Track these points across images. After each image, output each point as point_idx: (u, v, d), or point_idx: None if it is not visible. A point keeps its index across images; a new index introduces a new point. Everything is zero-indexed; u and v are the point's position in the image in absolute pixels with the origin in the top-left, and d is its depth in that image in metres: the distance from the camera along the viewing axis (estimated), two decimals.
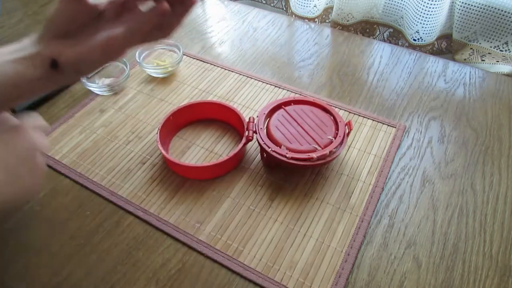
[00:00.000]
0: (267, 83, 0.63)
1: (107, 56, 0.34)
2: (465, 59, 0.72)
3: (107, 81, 0.63)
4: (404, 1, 0.72)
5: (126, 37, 0.34)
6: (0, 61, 0.33)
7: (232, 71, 0.65)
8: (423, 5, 0.67)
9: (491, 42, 0.69)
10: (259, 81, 0.63)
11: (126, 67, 0.63)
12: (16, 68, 0.33)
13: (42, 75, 0.33)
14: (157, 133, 0.50)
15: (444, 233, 0.45)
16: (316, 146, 0.47)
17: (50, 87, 0.35)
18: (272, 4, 0.89)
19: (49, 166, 0.51)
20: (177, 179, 0.50)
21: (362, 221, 0.45)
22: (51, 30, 0.34)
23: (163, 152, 0.48)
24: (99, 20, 0.34)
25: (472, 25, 0.69)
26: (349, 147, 0.53)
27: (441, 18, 0.69)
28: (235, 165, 0.51)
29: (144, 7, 0.34)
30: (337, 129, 0.49)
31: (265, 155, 0.51)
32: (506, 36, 0.67)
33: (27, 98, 0.36)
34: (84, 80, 0.60)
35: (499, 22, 0.66)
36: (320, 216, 0.46)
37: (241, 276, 0.41)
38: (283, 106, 0.52)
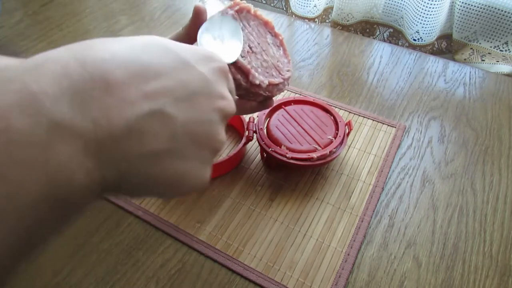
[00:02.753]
0: None
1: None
2: (465, 59, 0.72)
3: None
4: (404, 1, 0.72)
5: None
6: None
7: None
8: (423, 5, 0.67)
9: (491, 42, 0.69)
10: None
11: None
12: None
13: None
14: None
15: (444, 233, 0.45)
16: (316, 146, 0.47)
17: None
18: (272, 4, 0.89)
19: None
20: None
21: (362, 221, 0.45)
22: None
23: None
24: None
25: (472, 25, 0.69)
26: (349, 147, 0.53)
27: (441, 18, 0.69)
28: (235, 165, 0.51)
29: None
30: (337, 129, 0.49)
31: (265, 155, 0.51)
32: (506, 36, 0.67)
33: None
34: None
35: (499, 22, 0.66)
36: (320, 216, 0.46)
37: (241, 276, 0.41)
38: (283, 106, 0.52)
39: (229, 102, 0.23)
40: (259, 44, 0.39)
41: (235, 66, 0.35)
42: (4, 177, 0.15)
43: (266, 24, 0.40)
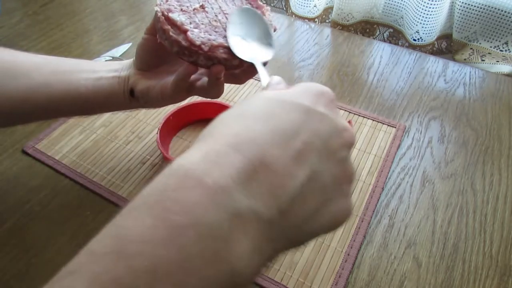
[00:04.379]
0: None
1: (176, 95, 0.37)
2: (465, 59, 0.72)
3: None
4: (404, 1, 0.72)
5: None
6: (102, 74, 0.39)
7: None
8: (423, 5, 0.67)
9: (491, 42, 0.69)
10: (259, 81, 0.63)
11: None
12: (111, 84, 0.39)
13: (125, 98, 0.39)
14: (157, 133, 0.50)
15: (444, 233, 0.45)
16: None
17: (130, 107, 0.41)
18: (272, 4, 0.89)
19: (49, 166, 0.51)
20: None
21: (362, 221, 0.45)
22: (137, 61, 0.39)
23: (163, 152, 0.48)
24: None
25: (472, 25, 0.69)
26: None
27: (441, 18, 0.69)
28: None
29: None
30: None
31: None
32: (506, 36, 0.67)
33: (112, 110, 0.44)
34: None
35: (499, 22, 0.66)
36: None
37: None
38: None
39: (351, 130, 0.23)
40: (220, 7, 0.36)
41: (171, 22, 0.33)
42: (199, 271, 0.15)
43: None
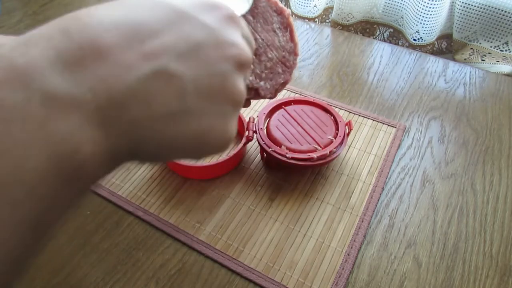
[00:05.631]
0: None
1: None
2: (465, 59, 0.72)
3: None
4: (404, 1, 0.72)
5: None
6: None
7: None
8: (423, 5, 0.67)
9: (491, 42, 0.69)
10: None
11: None
12: None
13: None
14: None
15: (444, 233, 0.45)
16: (316, 146, 0.47)
17: None
18: None
19: None
20: (177, 179, 0.50)
21: (362, 221, 0.45)
22: None
23: None
24: None
25: (472, 25, 0.69)
26: (349, 147, 0.53)
27: (441, 18, 0.69)
28: (235, 165, 0.51)
29: None
30: (337, 129, 0.49)
31: (265, 155, 0.51)
32: (506, 36, 0.67)
33: None
34: None
35: (499, 22, 0.66)
36: (320, 216, 0.46)
37: (241, 276, 0.41)
38: (283, 106, 0.52)
39: (242, 49, 0.21)
40: (263, 40, 0.38)
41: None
42: (6, 153, 0.14)
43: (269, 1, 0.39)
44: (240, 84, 0.21)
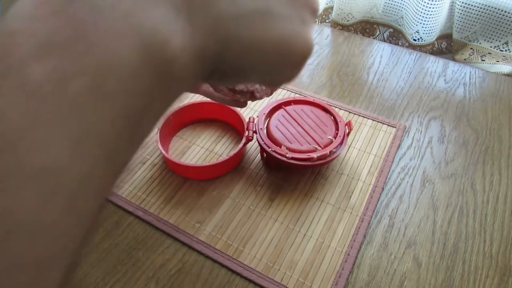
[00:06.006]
0: None
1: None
2: (465, 59, 0.72)
3: None
4: (404, 1, 0.72)
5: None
6: None
7: None
8: (423, 5, 0.67)
9: (491, 42, 0.69)
10: None
11: None
12: None
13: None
14: (157, 133, 0.50)
15: (444, 233, 0.45)
16: (316, 146, 0.47)
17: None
18: None
19: None
20: (177, 179, 0.50)
21: (362, 221, 0.45)
22: None
23: (163, 152, 0.48)
24: None
25: (472, 25, 0.69)
26: (349, 147, 0.53)
27: (441, 18, 0.69)
28: (235, 165, 0.51)
29: None
30: (337, 129, 0.49)
31: (265, 155, 0.51)
32: (506, 36, 0.67)
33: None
34: None
35: (499, 22, 0.66)
36: (320, 216, 0.46)
37: (241, 276, 0.41)
38: (283, 106, 0.52)
39: None
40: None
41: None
42: (98, 43, 0.13)
43: None
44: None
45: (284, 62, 0.20)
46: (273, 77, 0.21)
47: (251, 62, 0.19)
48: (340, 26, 0.79)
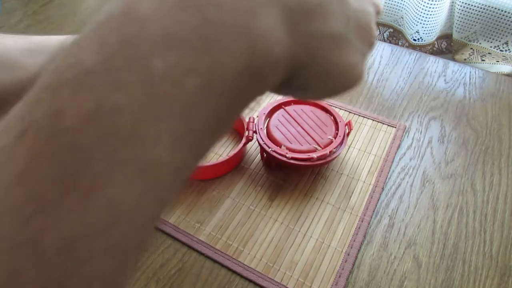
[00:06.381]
0: None
1: None
2: (465, 59, 0.72)
3: None
4: (404, 1, 0.72)
5: None
6: None
7: None
8: (423, 5, 0.67)
9: (491, 42, 0.69)
10: None
11: None
12: None
13: None
14: None
15: (444, 233, 0.45)
16: (316, 146, 0.47)
17: None
18: None
19: None
20: None
21: (362, 221, 0.45)
22: None
23: None
24: None
25: (472, 25, 0.69)
26: (349, 147, 0.53)
27: (441, 18, 0.69)
28: (235, 165, 0.51)
29: None
30: (337, 129, 0.49)
31: (265, 155, 0.51)
32: (506, 36, 0.67)
33: None
34: None
35: (499, 22, 0.66)
36: (320, 216, 0.46)
37: (241, 276, 0.41)
38: (283, 106, 0.52)
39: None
40: None
41: None
42: (215, 44, 0.14)
43: None
44: (376, 29, 0.22)
45: (342, 86, 0.21)
46: (324, 95, 0.22)
47: (319, 80, 0.20)
48: None
